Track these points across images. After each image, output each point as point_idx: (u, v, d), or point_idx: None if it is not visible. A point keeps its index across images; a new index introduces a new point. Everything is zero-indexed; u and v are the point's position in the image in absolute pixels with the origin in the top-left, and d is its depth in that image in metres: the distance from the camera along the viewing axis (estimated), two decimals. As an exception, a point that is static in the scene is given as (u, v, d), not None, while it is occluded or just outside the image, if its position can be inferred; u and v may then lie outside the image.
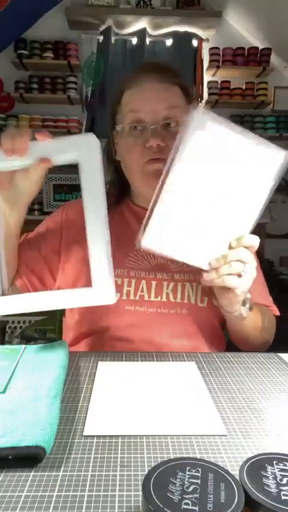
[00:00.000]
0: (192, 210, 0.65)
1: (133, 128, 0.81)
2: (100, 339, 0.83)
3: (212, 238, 0.67)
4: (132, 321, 0.81)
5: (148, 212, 0.65)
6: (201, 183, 0.64)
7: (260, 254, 0.73)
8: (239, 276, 0.66)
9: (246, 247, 0.66)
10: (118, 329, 0.81)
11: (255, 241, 0.67)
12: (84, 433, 0.48)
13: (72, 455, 0.45)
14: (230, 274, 0.66)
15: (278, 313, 0.91)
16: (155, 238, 0.65)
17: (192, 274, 0.83)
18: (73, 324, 0.88)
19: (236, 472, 0.33)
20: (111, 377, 0.64)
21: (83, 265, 0.82)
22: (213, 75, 3.47)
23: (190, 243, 0.67)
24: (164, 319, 0.82)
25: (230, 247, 0.66)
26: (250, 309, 0.74)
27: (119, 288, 0.81)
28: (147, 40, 3.39)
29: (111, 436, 0.48)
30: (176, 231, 0.65)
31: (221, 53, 3.41)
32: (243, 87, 3.48)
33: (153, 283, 0.83)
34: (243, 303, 0.72)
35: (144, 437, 0.48)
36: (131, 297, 0.82)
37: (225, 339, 0.91)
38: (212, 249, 0.67)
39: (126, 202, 0.94)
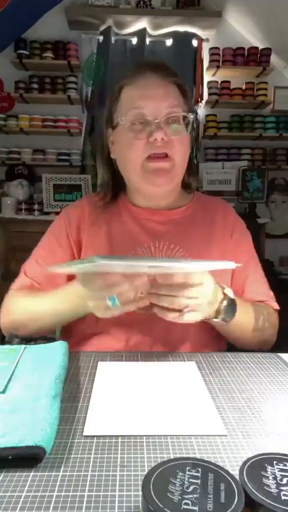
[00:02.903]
0: None
1: (134, 123, 0.81)
2: (100, 339, 0.82)
3: None
4: (132, 322, 0.80)
5: None
6: None
7: (259, 253, 0.73)
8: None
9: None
10: (118, 330, 0.81)
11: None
12: (84, 433, 0.48)
13: (72, 455, 0.45)
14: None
15: (277, 307, 0.91)
16: None
17: None
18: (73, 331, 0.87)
19: (236, 472, 0.33)
20: (111, 377, 0.64)
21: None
22: (213, 75, 3.47)
23: None
24: (165, 323, 0.80)
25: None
26: (228, 317, 0.74)
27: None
28: (147, 40, 3.39)
29: (111, 436, 0.48)
30: None
31: (221, 53, 3.40)
32: (243, 87, 3.47)
33: None
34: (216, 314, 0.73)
35: (144, 437, 0.48)
36: None
37: (225, 339, 0.91)
38: None
39: (123, 200, 0.93)
